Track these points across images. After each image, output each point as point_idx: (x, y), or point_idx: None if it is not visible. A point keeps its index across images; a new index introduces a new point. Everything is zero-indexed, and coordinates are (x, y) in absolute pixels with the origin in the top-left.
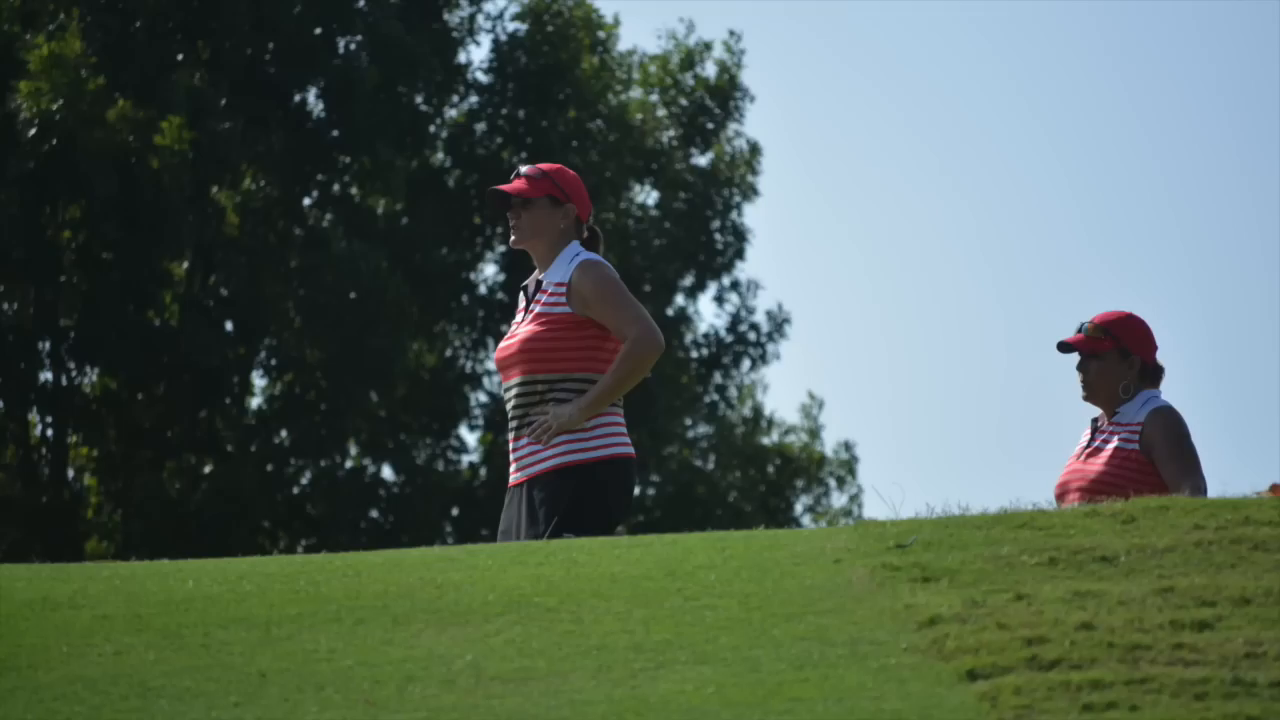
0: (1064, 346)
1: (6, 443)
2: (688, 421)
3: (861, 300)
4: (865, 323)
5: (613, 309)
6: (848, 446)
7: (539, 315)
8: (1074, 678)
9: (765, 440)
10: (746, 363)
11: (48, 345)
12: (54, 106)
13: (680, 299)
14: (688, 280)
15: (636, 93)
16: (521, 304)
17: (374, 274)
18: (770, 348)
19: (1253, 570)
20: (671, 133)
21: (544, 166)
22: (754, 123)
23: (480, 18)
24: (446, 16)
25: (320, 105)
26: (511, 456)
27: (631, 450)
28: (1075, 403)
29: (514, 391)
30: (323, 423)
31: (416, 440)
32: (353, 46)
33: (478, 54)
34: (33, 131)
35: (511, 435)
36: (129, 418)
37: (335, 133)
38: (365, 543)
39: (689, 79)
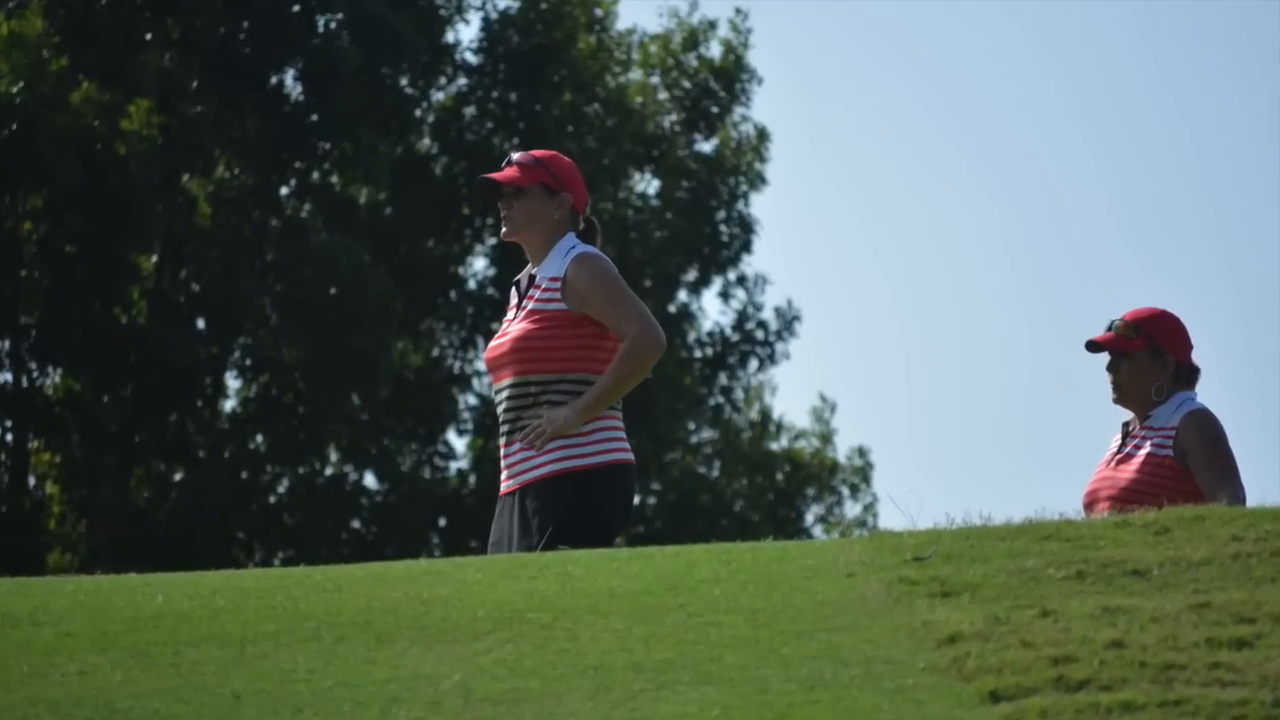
0: (1093, 345)
1: None
2: (691, 425)
3: (876, 296)
4: (880, 320)
5: (611, 305)
6: (862, 452)
7: (532, 312)
8: (1103, 699)
9: (774, 445)
10: (754, 363)
11: (7, 344)
12: (14, 89)
13: (683, 295)
14: (691, 275)
15: (636, 74)
16: (513, 300)
17: (356, 268)
18: (779, 347)
19: None
20: (674, 117)
21: (537, 153)
22: (761, 107)
23: None
24: None
25: (298, 88)
26: (503, 463)
27: (631, 456)
28: (1105, 406)
29: (506, 394)
30: (301, 427)
31: (401, 446)
32: (333, 25)
33: (467, 33)
34: None
35: (503, 440)
36: (94, 421)
37: (314, 117)
38: (346, 555)
39: (692, 60)
